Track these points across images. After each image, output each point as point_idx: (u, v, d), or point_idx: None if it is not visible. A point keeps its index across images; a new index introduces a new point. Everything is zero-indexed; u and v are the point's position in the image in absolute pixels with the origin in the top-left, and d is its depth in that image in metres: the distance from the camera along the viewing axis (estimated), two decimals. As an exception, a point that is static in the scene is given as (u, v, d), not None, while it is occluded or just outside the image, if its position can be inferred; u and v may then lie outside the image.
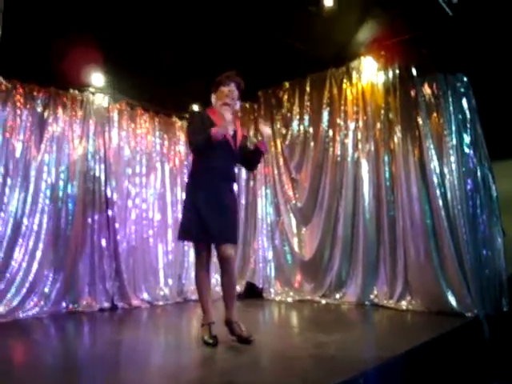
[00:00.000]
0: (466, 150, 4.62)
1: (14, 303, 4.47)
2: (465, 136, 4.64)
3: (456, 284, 4.40)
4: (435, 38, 4.62)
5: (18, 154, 4.77)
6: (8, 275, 4.52)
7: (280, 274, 6.00)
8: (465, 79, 4.72)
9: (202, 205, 3.16)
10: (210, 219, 3.14)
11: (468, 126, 4.66)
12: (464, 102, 4.69)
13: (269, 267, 6.06)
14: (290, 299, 5.71)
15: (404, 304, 4.78)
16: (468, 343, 3.75)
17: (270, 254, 6.10)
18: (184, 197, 3.45)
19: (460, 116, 4.67)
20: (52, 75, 4.92)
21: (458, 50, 4.46)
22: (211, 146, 3.15)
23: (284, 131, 6.25)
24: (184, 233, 3.29)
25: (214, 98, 3.42)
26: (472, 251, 4.35)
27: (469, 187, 4.53)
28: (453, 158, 4.58)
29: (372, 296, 5.09)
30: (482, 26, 4.28)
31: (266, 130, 3.53)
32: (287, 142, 6.20)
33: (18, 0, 2.91)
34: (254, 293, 5.97)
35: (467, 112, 4.68)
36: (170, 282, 5.80)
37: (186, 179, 6.15)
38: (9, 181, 4.68)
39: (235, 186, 3.55)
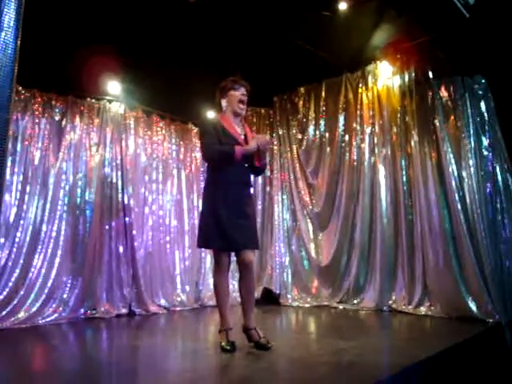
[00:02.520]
0: (485, 153, 4.56)
1: (34, 309, 4.50)
2: (483, 139, 4.58)
3: (476, 289, 4.34)
4: (452, 40, 4.58)
5: (36, 162, 4.83)
6: (27, 281, 4.57)
7: (297, 279, 5.97)
8: (483, 81, 4.66)
9: (223, 211, 3.13)
10: (231, 225, 3.12)
11: (487, 128, 4.59)
12: (482, 104, 4.63)
13: (286, 273, 6.04)
14: (307, 305, 5.68)
15: (423, 310, 4.73)
16: (490, 350, 3.68)
17: (286, 260, 6.08)
18: (201, 203, 3.44)
19: (478, 118, 4.62)
20: (69, 84, 4.98)
21: (476, 51, 4.41)
22: (231, 163, 3.15)
23: (300, 136, 6.25)
24: (204, 240, 3.26)
25: (224, 103, 3.34)
26: (492, 256, 4.29)
27: (488, 191, 4.47)
28: (471, 162, 4.53)
29: (390, 301, 5.04)
30: (500, 27, 4.23)
31: (261, 140, 3.31)
32: (303, 148, 6.19)
33: (37, 11, 2.96)
34: (271, 299, 5.96)
35: (485, 114, 4.61)
36: (187, 288, 5.81)
37: (202, 185, 6.22)
38: (28, 188, 4.73)
39: (252, 191, 3.54)
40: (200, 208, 6.05)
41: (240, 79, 3.37)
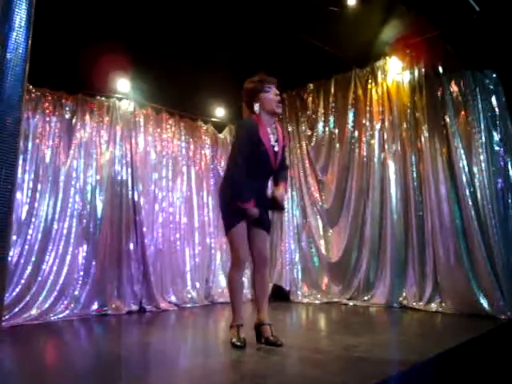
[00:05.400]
0: (496, 148, 4.52)
1: (46, 306, 4.55)
2: (494, 134, 4.54)
3: (488, 286, 4.31)
4: (462, 34, 4.54)
5: (47, 160, 4.86)
6: (40, 278, 4.61)
7: (307, 276, 5.97)
8: (494, 76, 4.61)
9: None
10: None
11: (497, 123, 4.55)
12: (493, 99, 4.58)
13: (296, 269, 6.04)
14: (317, 301, 5.68)
15: (434, 306, 4.71)
16: (501, 347, 3.65)
17: (296, 257, 6.08)
18: (221, 191, 3.40)
19: (489, 113, 4.58)
20: (79, 83, 5.01)
21: (486, 45, 4.37)
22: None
23: (309, 133, 6.23)
24: (232, 221, 3.21)
25: (257, 106, 3.21)
26: (504, 252, 4.27)
27: (499, 186, 4.44)
28: (482, 157, 4.50)
29: (401, 298, 5.02)
30: (511, 21, 4.18)
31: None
32: (313, 144, 6.17)
33: (47, 11, 2.98)
34: (281, 295, 5.96)
35: (496, 109, 4.56)
36: (198, 285, 5.83)
37: (212, 182, 6.25)
38: (39, 186, 4.77)
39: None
40: (210, 205, 6.14)
41: (266, 77, 3.27)
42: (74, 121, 5.13)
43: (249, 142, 3.14)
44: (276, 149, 3.25)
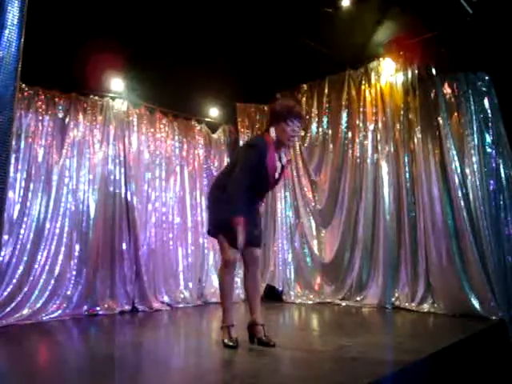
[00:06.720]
0: (488, 150, 4.54)
1: (38, 305, 4.52)
2: (487, 136, 4.57)
3: (479, 287, 4.34)
4: (455, 36, 4.57)
5: (39, 159, 4.83)
6: (32, 278, 4.58)
7: (300, 276, 5.97)
8: (486, 78, 4.63)
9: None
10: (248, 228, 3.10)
11: (490, 125, 4.57)
12: (486, 101, 4.61)
13: (288, 270, 6.04)
14: (309, 302, 5.69)
15: (426, 307, 4.73)
16: (493, 347, 3.68)
17: (289, 257, 6.08)
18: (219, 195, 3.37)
19: (482, 115, 4.60)
20: (72, 81, 4.98)
21: (479, 48, 4.40)
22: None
23: (303, 133, 6.21)
24: (219, 231, 3.22)
25: (273, 132, 3.18)
26: (496, 253, 4.29)
27: (491, 188, 4.46)
28: (474, 159, 4.53)
29: (393, 298, 5.03)
30: (503, 23, 4.21)
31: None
32: (306, 144, 6.18)
33: (40, 9, 2.97)
34: (273, 296, 5.95)
35: (489, 111, 4.59)
36: (190, 284, 5.81)
37: (205, 182, 6.23)
38: (31, 185, 4.73)
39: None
40: (203, 205, 6.11)
41: (296, 109, 3.21)
42: (67, 120, 5.09)
43: (256, 165, 3.12)
44: (277, 176, 3.27)
